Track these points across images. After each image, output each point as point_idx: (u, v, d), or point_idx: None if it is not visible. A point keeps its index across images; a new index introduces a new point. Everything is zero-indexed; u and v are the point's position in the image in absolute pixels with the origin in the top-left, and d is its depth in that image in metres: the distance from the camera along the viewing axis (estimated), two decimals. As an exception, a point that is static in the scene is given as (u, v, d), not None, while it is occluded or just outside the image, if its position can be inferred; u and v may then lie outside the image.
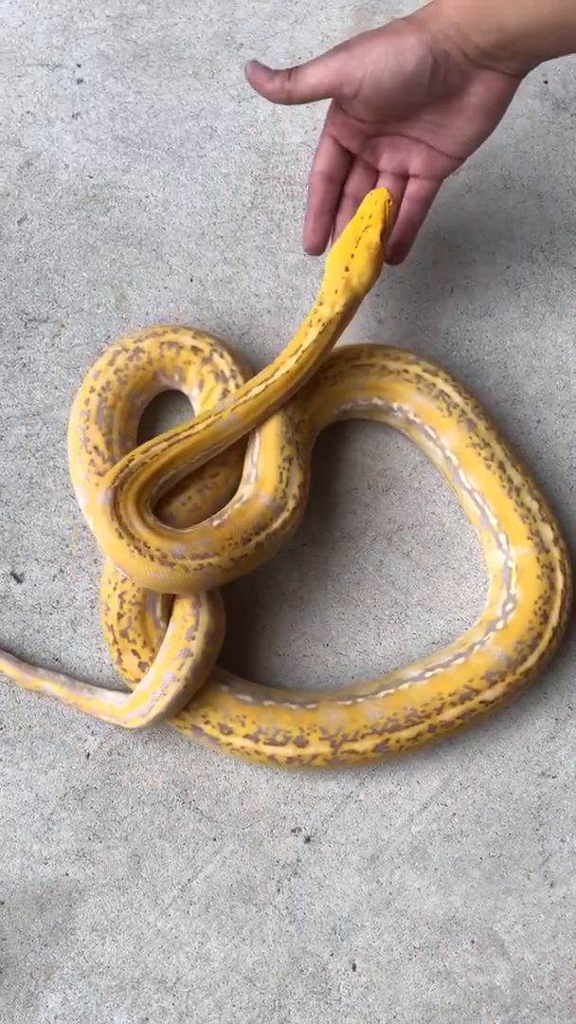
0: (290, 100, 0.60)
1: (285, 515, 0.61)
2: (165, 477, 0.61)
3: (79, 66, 0.75)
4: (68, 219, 0.72)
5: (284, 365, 0.62)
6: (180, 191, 0.73)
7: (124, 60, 0.75)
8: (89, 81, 0.75)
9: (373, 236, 0.61)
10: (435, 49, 0.56)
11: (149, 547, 0.57)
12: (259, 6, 0.77)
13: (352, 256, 0.61)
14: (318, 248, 0.66)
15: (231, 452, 0.64)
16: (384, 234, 0.61)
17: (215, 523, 0.60)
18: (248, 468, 0.63)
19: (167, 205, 0.73)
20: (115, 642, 0.61)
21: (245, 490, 0.62)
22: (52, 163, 0.73)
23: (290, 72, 0.59)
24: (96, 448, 0.63)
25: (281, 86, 0.59)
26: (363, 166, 0.64)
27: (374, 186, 0.64)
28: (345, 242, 0.61)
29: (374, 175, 0.64)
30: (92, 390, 0.65)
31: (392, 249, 0.65)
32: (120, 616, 0.60)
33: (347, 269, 0.61)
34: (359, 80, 0.57)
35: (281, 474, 0.61)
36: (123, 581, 0.60)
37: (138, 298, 0.71)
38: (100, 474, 0.63)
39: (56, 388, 0.69)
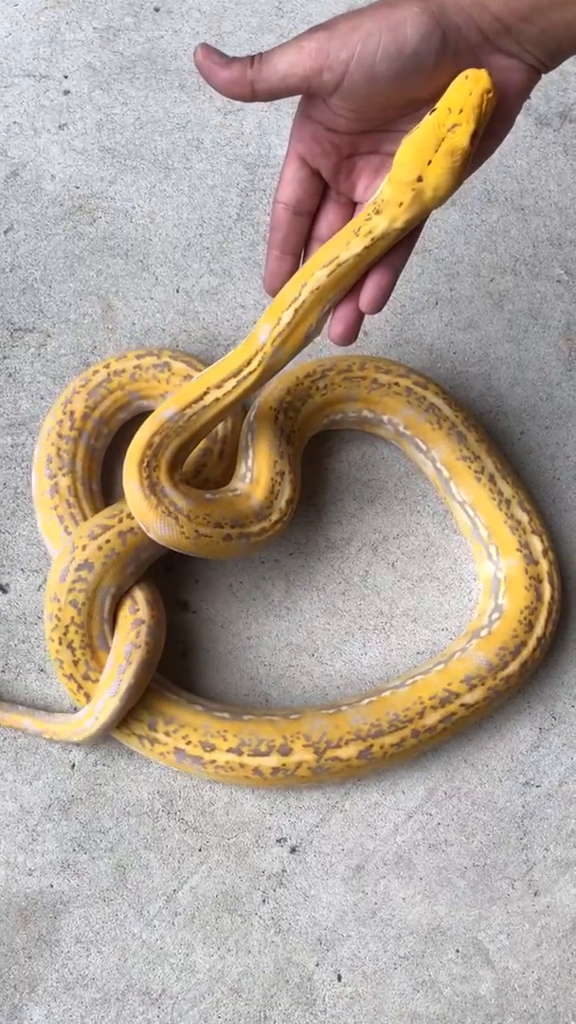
0: (253, 94, 0.46)
1: (265, 524, 0.61)
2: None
3: (66, 77, 0.76)
4: (54, 229, 0.72)
5: (313, 279, 0.51)
6: (166, 202, 0.73)
7: (111, 72, 0.76)
8: (76, 92, 0.75)
9: (462, 140, 0.46)
10: (443, 21, 0.44)
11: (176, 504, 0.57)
12: (245, 20, 0.77)
13: (430, 163, 0.47)
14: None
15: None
16: (476, 137, 0.47)
17: (207, 496, 0.60)
18: (243, 469, 0.63)
19: (153, 216, 0.73)
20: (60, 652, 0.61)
21: (240, 485, 0.62)
22: (38, 173, 0.73)
23: (253, 59, 0.46)
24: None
25: (241, 74, 0.46)
26: (336, 197, 0.52)
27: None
28: (424, 141, 0.47)
29: (350, 209, 0.52)
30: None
31: (369, 298, 0.52)
32: (66, 630, 0.60)
33: (420, 179, 0.48)
34: (344, 64, 0.44)
35: (273, 486, 0.62)
36: (69, 592, 0.60)
37: (124, 308, 0.71)
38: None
39: (42, 398, 0.69)
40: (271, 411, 0.63)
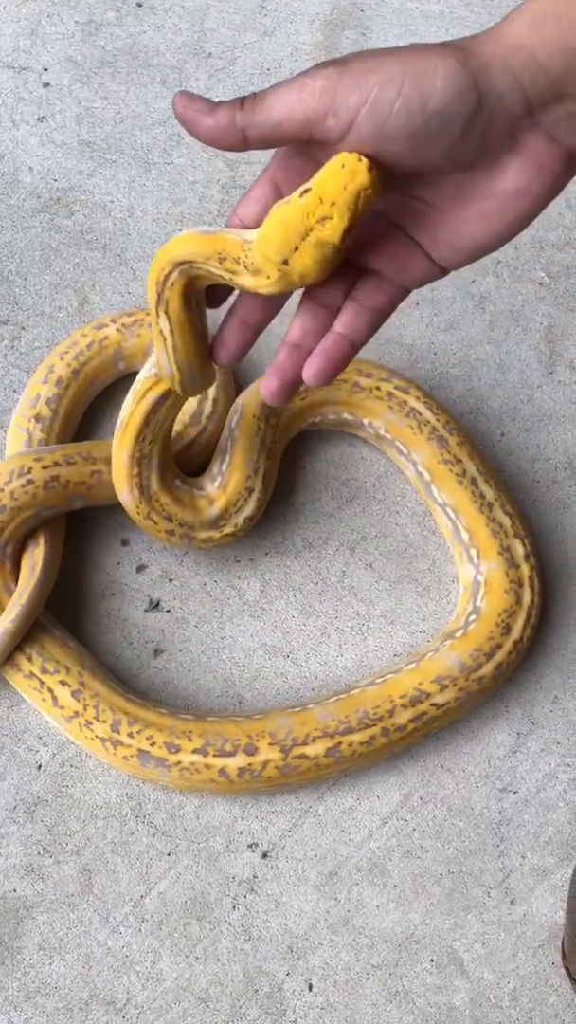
0: (245, 142, 0.40)
1: (213, 533, 0.61)
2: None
3: (46, 70, 0.75)
4: (31, 222, 0.71)
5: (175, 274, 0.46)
6: (146, 197, 0.72)
7: (92, 66, 0.75)
8: (56, 85, 0.74)
9: (332, 236, 0.41)
10: (483, 83, 0.36)
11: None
12: (228, 17, 0.77)
13: (296, 249, 0.42)
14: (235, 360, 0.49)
15: None
16: (349, 232, 0.41)
17: (176, 482, 0.61)
18: (215, 471, 0.62)
19: (132, 211, 0.72)
20: None
21: (208, 487, 0.62)
22: (16, 166, 0.72)
23: (244, 100, 0.39)
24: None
25: (229, 121, 0.39)
26: None
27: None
28: (291, 225, 0.41)
29: None
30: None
31: (317, 374, 0.45)
32: None
33: (286, 263, 0.42)
34: (353, 111, 0.37)
35: (238, 500, 0.62)
36: None
37: (101, 302, 0.70)
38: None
39: (15, 391, 0.67)
40: (253, 420, 0.62)
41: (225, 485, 0.62)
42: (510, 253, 0.72)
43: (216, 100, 0.40)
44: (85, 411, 0.66)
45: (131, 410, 0.57)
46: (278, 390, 0.46)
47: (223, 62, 0.76)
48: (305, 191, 0.41)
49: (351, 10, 0.77)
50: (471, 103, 0.36)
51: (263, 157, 0.73)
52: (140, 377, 0.56)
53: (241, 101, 0.39)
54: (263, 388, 0.47)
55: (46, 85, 0.74)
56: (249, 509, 0.62)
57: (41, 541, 0.61)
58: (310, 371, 0.45)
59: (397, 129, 0.37)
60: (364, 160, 0.38)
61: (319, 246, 0.41)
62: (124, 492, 0.59)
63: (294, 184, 0.43)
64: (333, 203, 0.40)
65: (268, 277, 0.43)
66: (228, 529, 0.61)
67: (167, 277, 0.47)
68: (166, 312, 0.48)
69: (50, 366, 0.64)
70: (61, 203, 0.72)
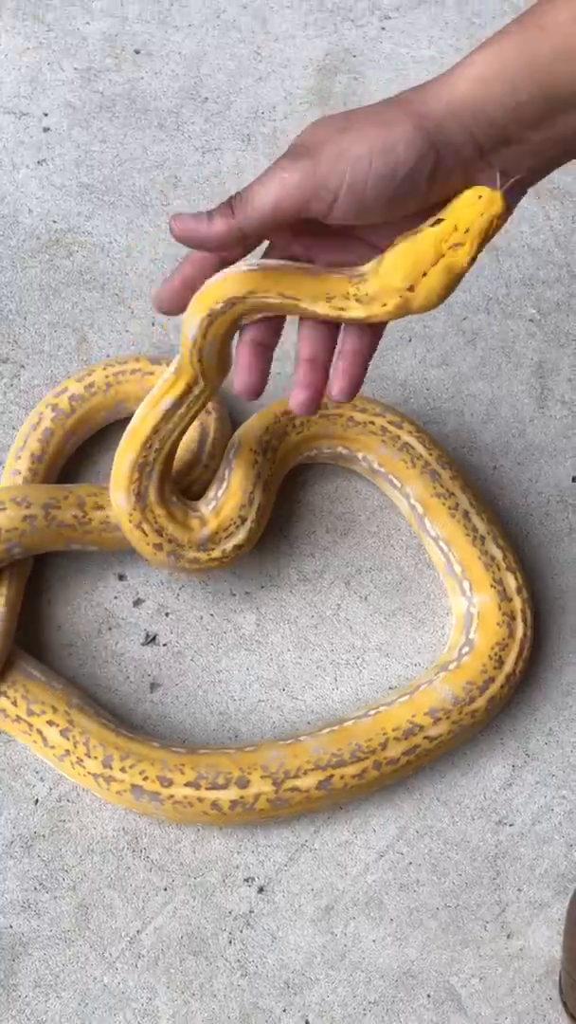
0: (245, 238, 0.44)
1: (200, 555, 0.61)
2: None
3: (46, 115, 0.77)
4: (31, 262, 0.72)
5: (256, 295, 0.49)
6: (143, 238, 0.74)
7: (90, 110, 0.77)
8: (55, 130, 0.76)
9: (462, 261, 0.44)
10: (439, 140, 0.41)
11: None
12: (224, 63, 0.79)
13: (425, 275, 0.45)
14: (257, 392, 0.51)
15: None
16: (475, 259, 0.45)
17: (173, 499, 0.61)
18: (211, 495, 0.63)
19: (130, 251, 0.73)
20: None
21: (203, 509, 0.62)
22: (16, 208, 0.74)
23: (232, 202, 0.44)
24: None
25: (225, 226, 0.43)
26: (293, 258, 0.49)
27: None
28: (423, 253, 0.45)
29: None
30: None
31: (343, 391, 0.50)
32: None
33: (411, 288, 0.46)
34: (332, 193, 0.42)
35: (229, 526, 0.62)
36: None
37: (99, 341, 0.71)
38: None
39: (14, 428, 0.68)
40: (251, 453, 0.63)
41: (219, 510, 0.62)
42: (501, 290, 0.74)
43: (204, 211, 0.45)
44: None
45: (143, 415, 0.57)
46: (308, 401, 0.50)
47: (219, 106, 0.77)
48: (437, 220, 0.44)
49: (344, 55, 0.79)
50: (431, 161, 0.41)
51: (258, 198, 0.75)
52: (157, 383, 0.57)
53: (229, 205, 0.43)
54: (293, 402, 0.50)
55: (46, 130, 0.76)
56: (239, 537, 0.62)
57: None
58: (336, 390, 0.49)
59: (373, 200, 0.42)
60: (498, 190, 0.43)
61: (448, 271, 0.45)
62: (120, 497, 0.59)
63: (285, 231, 0.47)
64: (467, 230, 0.44)
65: (384, 305, 0.46)
66: (216, 553, 0.61)
67: (217, 312, 0.49)
68: (202, 340, 0.51)
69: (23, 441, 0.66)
70: (60, 244, 0.73)
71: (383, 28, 0.80)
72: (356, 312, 0.47)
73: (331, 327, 0.49)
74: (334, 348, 0.50)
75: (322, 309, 0.48)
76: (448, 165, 0.42)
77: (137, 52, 0.79)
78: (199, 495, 0.64)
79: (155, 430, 0.57)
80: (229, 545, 0.62)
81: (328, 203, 0.42)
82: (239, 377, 0.51)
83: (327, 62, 0.79)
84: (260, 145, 0.76)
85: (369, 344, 0.50)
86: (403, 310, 0.47)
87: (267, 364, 0.51)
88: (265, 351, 0.51)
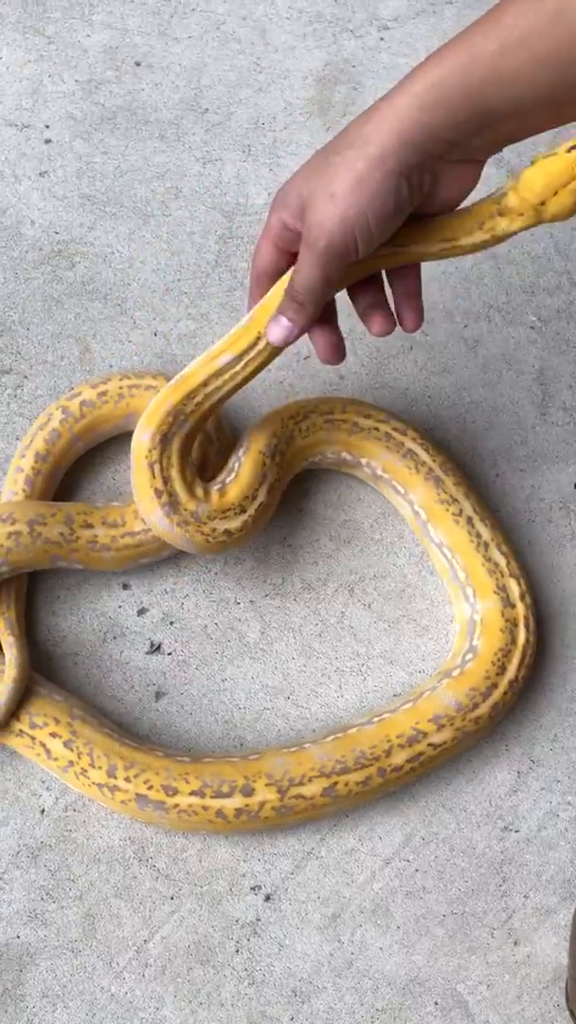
0: (318, 313, 0.54)
1: (191, 525, 0.60)
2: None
3: (47, 127, 0.77)
4: (33, 273, 0.73)
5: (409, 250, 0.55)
6: (145, 248, 0.74)
7: (92, 122, 0.77)
8: (57, 141, 0.77)
9: None
10: (406, 170, 0.49)
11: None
12: (224, 74, 0.79)
13: (556, 194, 0.52)
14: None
15: None
16: None
17: (201, 484, 0.62)
18: (221, 478, 0.63)
19: (132, 262, 0.74)
20: None
21: (211, 486, 0.62)
22: (18, 219, 0.74)
23: (291, 294, 0.53)
24: None
25: (306, 318, 0.54)
26: None
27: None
28: (557, 175, 0.52)
29: None
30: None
31: (413, 321, 0.58)
32: None
33: (543, 204, 0.53)
34: (352, 253, 0.51)
35: (228, 511, 0.61)
36: None
37: (102, 351, 0.71)
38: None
39: (17, 439, 0.68)
40: (259, 455, 0.63)
41: (224, 492, 0.62)
42: (501, 298, 0.74)
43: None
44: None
45: (198, 364, 0.59)
46: (388, 327, 0.57)
47: (219, 117, 0.78)
48: (572, 147, 0.51)
49: (343, 66, 0.80)
50: (406, 187, 0.49)
51: (258, 210, 0.75)
52: (221, 339, 0.58)
53: (291, 298, 0.54)
54: (378, 327, 0.57)
55: (48, 141, 0.77)
56: (233, 524, 0.61)
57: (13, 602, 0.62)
58: (410, 323, 0.57)
59: (380, 236, 0.51)
60: None
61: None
62: (146, 433, 0.60)
63: (292, 243, 0.54)
64: None
65: (521, 215, 0.53)
66: (206, 529, 0.61)
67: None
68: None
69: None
70: (63, 255, 0.73)
71: (381, 39, 0.81)
72: (502, 226, 0.54)
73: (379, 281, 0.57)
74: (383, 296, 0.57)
75: (479, 237, 0.54)
76: (416, 181, 0.50)
77: (138, 64, 0.79)
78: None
79: (204, 383, 0.59)
80: (221, 527, 0.61)
81: (352, 257, 0.51)
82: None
83: (326, 73, 0.80)
84: (260, 155, 0.77)
85: (416, 284, 0.57)
86: (535, 221, 0.53)
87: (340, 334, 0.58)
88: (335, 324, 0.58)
